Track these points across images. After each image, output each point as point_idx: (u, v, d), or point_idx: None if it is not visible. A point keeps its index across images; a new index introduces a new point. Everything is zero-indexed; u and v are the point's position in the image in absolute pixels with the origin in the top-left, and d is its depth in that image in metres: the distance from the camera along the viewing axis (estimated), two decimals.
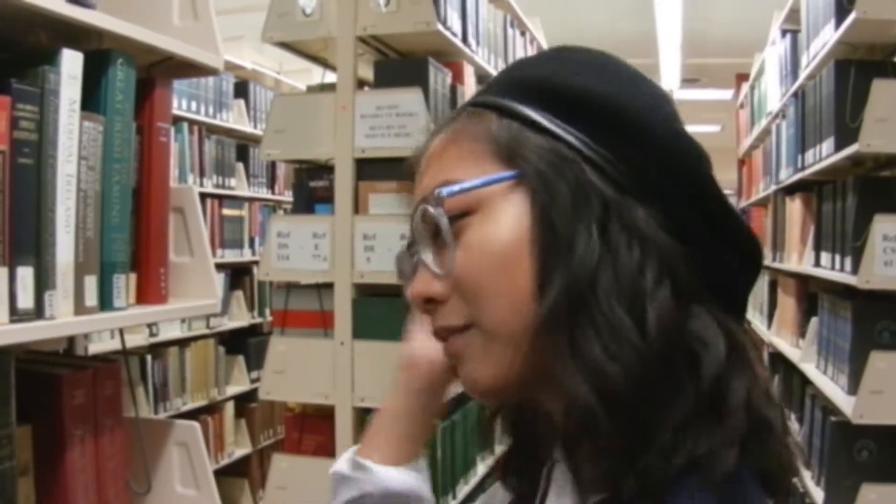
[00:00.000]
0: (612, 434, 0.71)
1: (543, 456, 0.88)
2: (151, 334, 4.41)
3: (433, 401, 1.03)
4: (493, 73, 3.21)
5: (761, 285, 5.23)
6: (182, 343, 4.68)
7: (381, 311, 2.58)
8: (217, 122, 4.99)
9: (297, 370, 2.67)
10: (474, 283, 0.77)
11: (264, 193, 5.57)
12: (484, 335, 0.77)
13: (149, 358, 4.34)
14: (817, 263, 3.38)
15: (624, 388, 0.71)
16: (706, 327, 0.75)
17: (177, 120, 4.51)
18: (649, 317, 0.72)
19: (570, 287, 0.73)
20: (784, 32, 4.29)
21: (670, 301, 0.73)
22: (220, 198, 4.97)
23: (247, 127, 5.32)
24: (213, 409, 4.90)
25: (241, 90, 5.38)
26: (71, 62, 1.32)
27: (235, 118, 5.25)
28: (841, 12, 2.91)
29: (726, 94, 8.58)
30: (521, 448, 0.94)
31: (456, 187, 0.78)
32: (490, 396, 0.83)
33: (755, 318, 5.51)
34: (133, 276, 1.53)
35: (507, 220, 0.77)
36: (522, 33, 4.13)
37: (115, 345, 3.69)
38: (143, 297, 1.56)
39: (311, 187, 2.83)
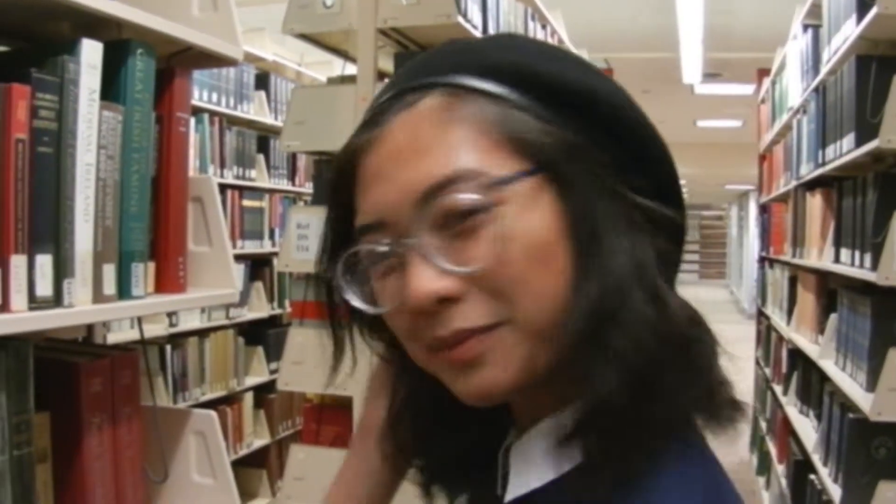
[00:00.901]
0: (633, 420, 0.72)
1: (495, 445, 0.87)
2: (171, 324, 4.42)
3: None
4: None
5: (781, 281, 5.21)
6: (202, 333, 4.70)
7: None
8: (238, 113, 5.00)
9: (315, 361, 2.67)
10: (511, 277, 0.72)
11: (285, 185, 5.57)
12: (518, 332, 0.73)
13: (168, 348, 4.36)
14: (837, 259, 3.36)
15: (649, 376, 0.71)
16: (683, 304, 0.77)
17: (198, 111, 4.52)
18: (669, 303, 0.74)
19: (605, 280, 0.72)
20: (805, 27, 4.27)
21: (671, 285, 0.76)
22: (240, 189, 4.98)
23: (268, 118, 5.33)
24: (232, 399, 4.92)
25: (262, 82, 5.39)
26: (91, 52, 1.33)
27: (256, 110, 5.26)
28: (862, 7, 2.89)
29: (748, 88, 8.54)
30: (475, 447, 0.91)
31: (498, 177, 0.73)
32: (502, 398, 0.77)
33: (775, 313, 5.48)
34: (151, 265, 1.55)
35: (540, 212, 0.73)
36: (543, 26, 4.12)
37: (134, 335, 3.73)
38: (161, 286, 1.58)
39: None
